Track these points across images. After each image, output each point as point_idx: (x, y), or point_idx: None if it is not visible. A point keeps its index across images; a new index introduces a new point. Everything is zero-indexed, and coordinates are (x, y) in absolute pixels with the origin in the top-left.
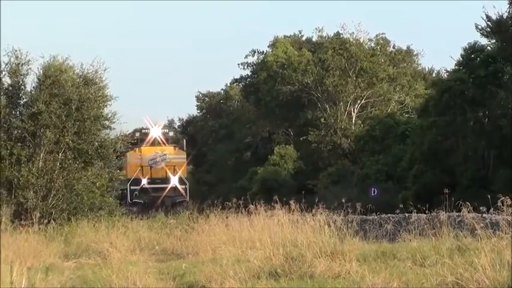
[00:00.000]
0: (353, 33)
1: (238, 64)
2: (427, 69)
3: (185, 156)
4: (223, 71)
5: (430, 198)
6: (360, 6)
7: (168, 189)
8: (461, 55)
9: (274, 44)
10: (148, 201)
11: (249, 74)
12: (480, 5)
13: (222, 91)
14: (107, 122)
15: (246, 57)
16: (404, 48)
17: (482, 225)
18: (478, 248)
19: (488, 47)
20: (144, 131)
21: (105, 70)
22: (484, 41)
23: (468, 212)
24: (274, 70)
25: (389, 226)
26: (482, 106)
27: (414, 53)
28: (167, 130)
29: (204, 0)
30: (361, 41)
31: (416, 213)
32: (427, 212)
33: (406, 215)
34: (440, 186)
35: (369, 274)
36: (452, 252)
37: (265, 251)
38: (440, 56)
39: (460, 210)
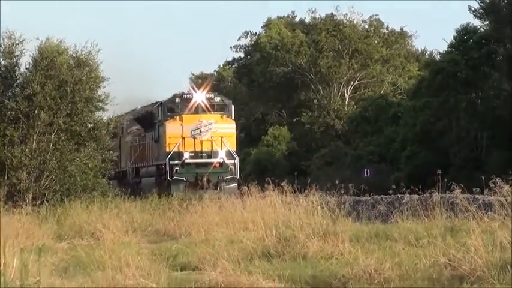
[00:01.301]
0: (346, 14)
1: (231, 47)
2: (420, 51)
3: (234, 125)
4: (216, 53)
5: (423, 180)
6: None
7: (214, 164)
8: (454, 37)
9: (267, 25)
10: (191, 178)
11: (242, 56)
12: None
13: (215, 72)
14: (99, 104)
15: (239, 39)
16: (398, 29)
17: (475, 206)
18: (471, 228)
19: (482, 29)
20: (185, 96)
21: (98, 51)
22: (477, 22)
23: (461, 193)
24: (267, 51)
25: (382, 207)
26: (475, 87)
27: (408, 35)
28: (213, 95)
29: None
30: (355, 22)
31: (409, 194)
32: (419, 193)
33: (399, 196)
34: (433, 167)
35: (361, 255)
36: (445, 233)
37: (258, 232)
38: (433, 38)
39: (452, 192)
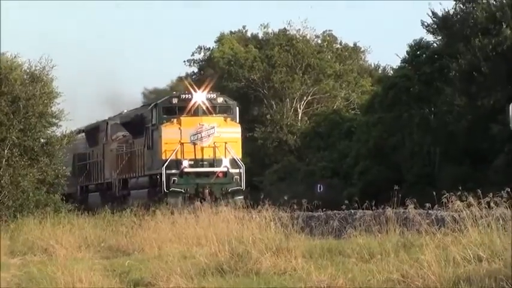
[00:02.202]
0: (299, 29)
1: (184, 61)
2: (373, 66)
3: (240, 129)
4: (169, 68)
5: (376, 195)
6: (306, 3)
7: (217, 174)
8: (407, 52)
9: (220, 41)
10: (191, 190)
11: (195, 71)
12: (426, 3)
13: (169, 87)
14: (53, 119)
15: (192, 54)
16: (351, 44)
17: (428, 221)
18: (424, 244)
19: (434, 44)
20: (183, 96)
21: (52, 67)
22: (430, 37)
23: (414, 208)
24: (220, 67)
25: (335, 222)
26: (428, 102)
27: (361, 50)
28: (215, 95)
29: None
30: (308, 37)
31: (362, 209)
32: (373, 208)
33: (352, 211)
34: (386, 182)
35: (314, 270)
36: (398, 249)
37: (211, 247)
38: (386, 53)
39: (406, 207)
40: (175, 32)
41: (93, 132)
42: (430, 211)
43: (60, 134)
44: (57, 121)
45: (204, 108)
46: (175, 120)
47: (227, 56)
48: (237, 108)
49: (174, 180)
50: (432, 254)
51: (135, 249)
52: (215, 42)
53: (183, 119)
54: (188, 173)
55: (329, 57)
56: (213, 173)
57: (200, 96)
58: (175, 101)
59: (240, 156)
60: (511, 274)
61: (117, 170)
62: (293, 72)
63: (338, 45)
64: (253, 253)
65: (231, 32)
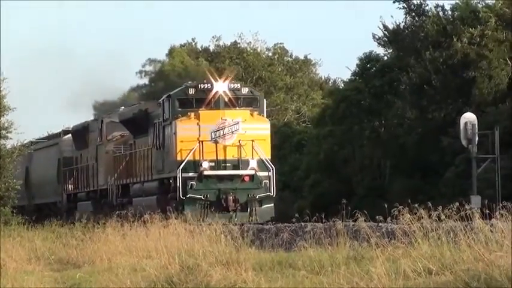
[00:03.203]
0: (250, 42)
1: (136, 73)
2: (323, 79)
3: (268, 125)
4: (120, 80)
5: (326, 208)
6: (258, 16)
7: (243, 177)
8: (357, 65)
9: (171, 54)
10: (212, 196)
11: (147, 83)
12: (378, 15)
13: (119, 100)
14: (3, 132)
15: (143, 66)
16: (302, 57)
17: (378, 234)
18: (374, 257)
19: (385, 57)
20: (202, 85)
21: (3, 80)
22: (381, 50)
23: (364, 221)
24: (171, 79)
25: (285, 235)
26: (379, 115)
27: (312, 63)
28: (239, 85)
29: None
30: (259, 50)
31: (313, 222)
32: (323, 221)
33: (303, 224)
34: (336, 195)
35: (265, 283)
36: (349, 261)
37: (161, 260)
38: (337, 66)
39: (356, 220)
40: (127, 44)
41: (82, 133)
42: (380, 224)
43: (11, 146)
44: (7, 134)
45: (227, 100)
46: (192, 114)
47: (178, 68)
48: (264, 101)
49: (191, 184)
50: (382, 266)
51: (85, 261)
52: (166, 55)
53: (202, 112)
54: (208, 177)
55: (280, 69)
56: (238, 176)
57: (222, 86)
58: (192, 91)
59: (269, 157)
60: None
61: (114, 175)
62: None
63: (289, 58)
64: (204, 266)
65: (181, 44)
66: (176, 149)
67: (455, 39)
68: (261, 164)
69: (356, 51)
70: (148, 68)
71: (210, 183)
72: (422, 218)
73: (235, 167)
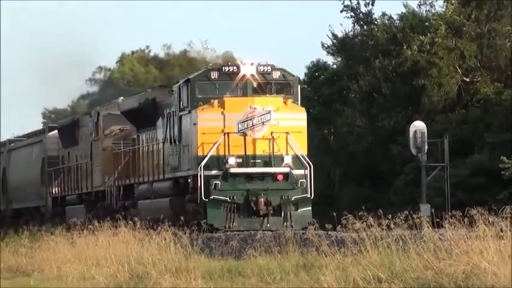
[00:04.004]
0: (200, 51)
1: (86, 80)
2: None
3: (305, 115)
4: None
5: None
6: (208, 24)
7: (276, 176)
8: (305, 73)
9: (121, 61)
10: (239, 198)
11: (96, 90)
12: (327, 24)
13: (69, 107)
14: None
15: (93, 74)
16: None
17: (328, 242)
18: (323, 265)
19: (334, 65)
20: (226, 68)
21: None
22: (330, 59)
23: (314, 229)
24: (120, 87)
25: (234, 243)
26: (328, 123)
27: None
28: (269, 67)
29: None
30: (208, 59)
31: (262, 230)
32: (273, 229)
33: (252, 232)
34: None
35: None
36: (298, 269)
37: (111, 268)
38: None
39: (305, 228)
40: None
41: (70, 129)
42: (330, 232)
43: None
44: None
45: (255, 85)
46: (216, 101)
47: (127, 76)
48: (299, 86)
49: (215, 184)
50: (332, 274)
51: (34, 269)
52: (116, 62)
53: (228, 99)
54: (235, 175)
55: None
56: (270, 174)
57: (250, 69)
58: (214, 75)
59: (306, 152)
60: None
61: (114, 174)
62: None
63: None
64: (153, 274)
65: (132, 52)
66: (197, 142)
67: (405, 47)
68: (296, 161)
69: (306, 60)
70: (98, 76)
71: (237, 182)
72: (372, 226)
73: (266, 163)
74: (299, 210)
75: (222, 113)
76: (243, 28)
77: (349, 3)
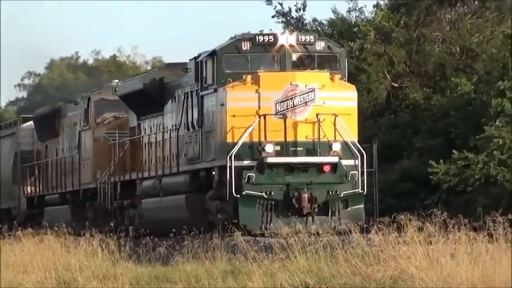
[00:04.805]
0: (129, 56)
1: (15, 85)
2: None
3: (355, 94)
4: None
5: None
6: (137, 31)
7: (322, 167)
8: None
9: (50, 67)
10: (277, 194)
11: (25, 95)
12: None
13: None
14: None
15: (22, 79)
16: None
17: (255, 248)
18: (251, 271)
19: None
20: (261, 38)
21: None
22: None
23: (242, 235)
24: (50, 93)
25: (162, 249)
26: None
27: None
28: (312, 37)
29: None
30: (138, 64)
31: (190, 236)
32: (200, 235)
33: (180, 238)
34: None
35: None
36: (226, 276)
37: (37, 275)
38: None
39: (233, 234)
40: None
41: (48, 120)
42: (258, 238)
43: None
44: None
45: (296, 58)
46: (249, 77)
47: (56, 82)
48: (346, 60)
49: (249, 177)
50: (260, 280)
51: None
52: (45, 68)
53: (264, 75)
54: (273, 166)
55: None
56: (315, 165)
57: (289, 39)
58: (246, 46)
59: (357, 138)
60: None
61: (108, 169)
62: None
63: None
64: (80, 280)
65: (61, 58)
66: (226, 126)
67: None
68: (346, 149)
69: None
70: (27, 81)
71: (276, 175)
72: (300, 232)
73: (310, 152)
74: (349, 208)
75: (257, 91)
76: (172, 35)
77: (280, 8)
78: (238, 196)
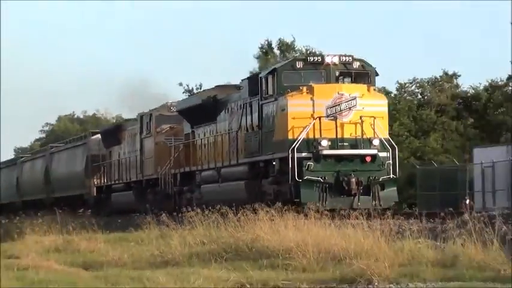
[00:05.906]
0: (103, 114)
1: (39, 130)
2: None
3: (386, 102)
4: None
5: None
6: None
7: (365, 158)
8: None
9: (59, 120)
10: (330, 179)
11: (44, 136)
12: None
13: (29, 146)
14: None
15: (43, 126)
16: None
17: (174, 222)
18: (172, 235)
19: None
20: (312, 58)
21: None
22: None
23: (168, 213)
24: (58, 135)
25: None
26: None
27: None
28: (350, 58)
29: None
30: (108, 118)
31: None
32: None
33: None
34: None
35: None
36: (158, 238)
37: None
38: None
39: (161, 214)
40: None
41: (112, 133)
42: (179, 214)
43: None
44: None
45: (337, 74)
46: (305, 88)
47: (62, 128)
48: (376, 76)
49: (308, 165)
50: (177, 240)
51: None
52: (56, 120)
53: (317, 86)
54: (327, 157)
55: None
56: (359, 156)
57: (333, 59)
58: (300, 64)
59: (388, 136)
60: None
61: (168, 164)
62: None
63: None
64: (75, 240)
65: (65, 115)
66: (287, 126)
67: None
68: (381, 144)
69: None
70: (45, 128)
71: (328, 164)
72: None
73: (353, 146)
74: (385, 190)
75: (311, 98)
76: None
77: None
78: (300, 180)
